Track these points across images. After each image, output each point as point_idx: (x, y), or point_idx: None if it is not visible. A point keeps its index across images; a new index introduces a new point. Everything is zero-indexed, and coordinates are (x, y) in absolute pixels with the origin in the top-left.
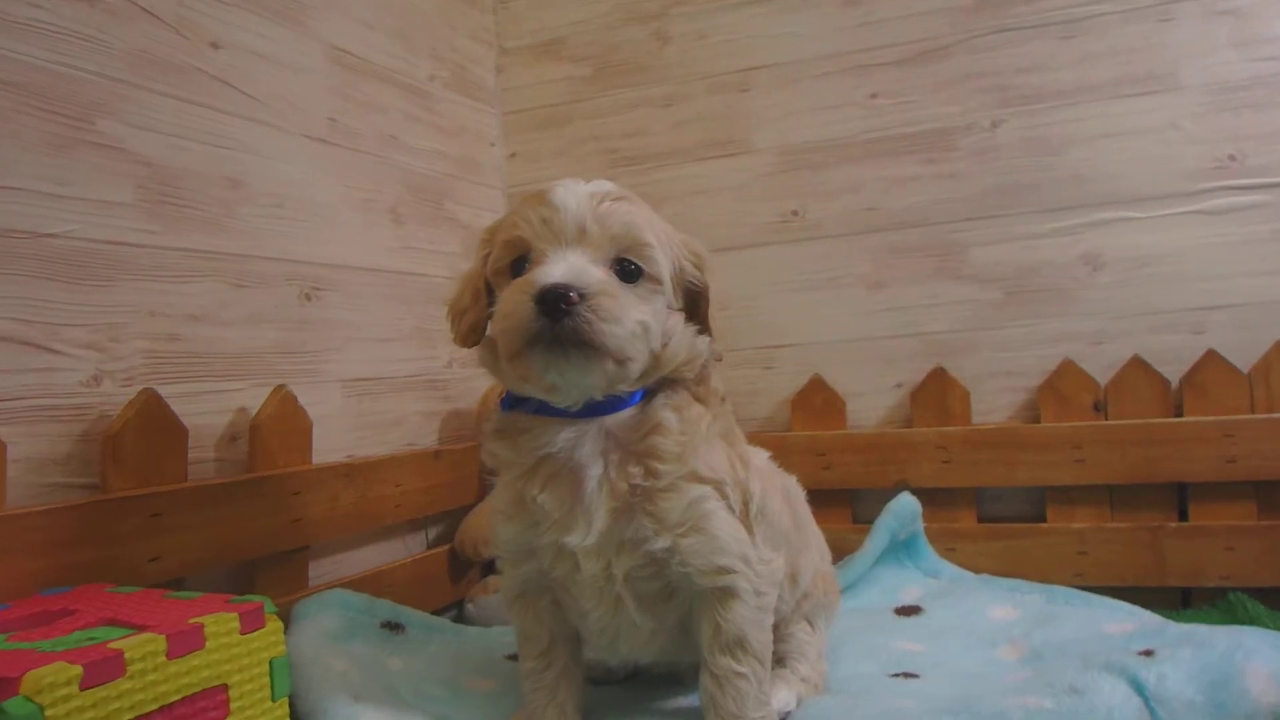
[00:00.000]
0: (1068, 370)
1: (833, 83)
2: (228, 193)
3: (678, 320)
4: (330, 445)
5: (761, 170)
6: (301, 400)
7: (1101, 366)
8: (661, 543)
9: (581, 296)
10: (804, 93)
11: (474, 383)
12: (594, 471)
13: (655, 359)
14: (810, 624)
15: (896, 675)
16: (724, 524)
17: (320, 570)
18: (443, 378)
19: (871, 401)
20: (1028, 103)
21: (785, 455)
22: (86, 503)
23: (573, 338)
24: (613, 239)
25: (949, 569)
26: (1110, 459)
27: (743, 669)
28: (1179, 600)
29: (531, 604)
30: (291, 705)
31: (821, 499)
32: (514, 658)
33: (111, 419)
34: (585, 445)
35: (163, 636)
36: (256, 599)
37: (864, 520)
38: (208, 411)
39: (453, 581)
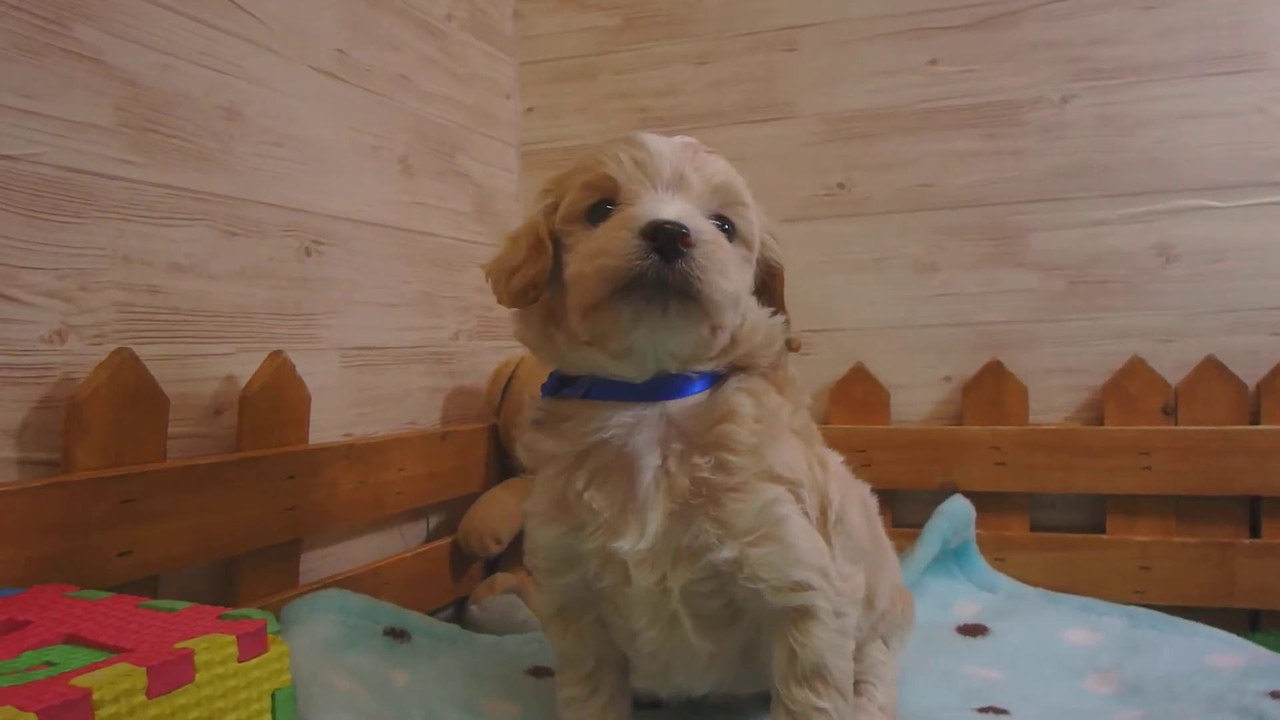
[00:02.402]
0: (1136, 369)
1: (888, 46)
2: (223, 125)
3: (752, 298)
4: (327, 421)
5: (805, 138)
6: (300, 369)
7: (1172, 366)
8: (727, 552)
9: (695, 240)
10: (856, 55)
11: (481, 357)
12: (650, 463)
13: (732, 338)
14: (885, 643)
15: (984, 710)
16: (801, 532)
17: (310, 564)
18: (449, 350)
19: (918, 395)
20: (1102, 77)
21: None
22: (45, 484)
23: (681, 285)
24: (714, 191)
25: (1005, 582)
26: (1179, 467)
27: (823, 703)
28: (1246, 623)
29: (573, 621)
30: None
31: None
32: (537, 672)
33: (78, 383)
34: (643, 432)
35: (143, 669)
36: (257, 615)
37: (905, 524)
38: (190, 378)
39: (453, 578)
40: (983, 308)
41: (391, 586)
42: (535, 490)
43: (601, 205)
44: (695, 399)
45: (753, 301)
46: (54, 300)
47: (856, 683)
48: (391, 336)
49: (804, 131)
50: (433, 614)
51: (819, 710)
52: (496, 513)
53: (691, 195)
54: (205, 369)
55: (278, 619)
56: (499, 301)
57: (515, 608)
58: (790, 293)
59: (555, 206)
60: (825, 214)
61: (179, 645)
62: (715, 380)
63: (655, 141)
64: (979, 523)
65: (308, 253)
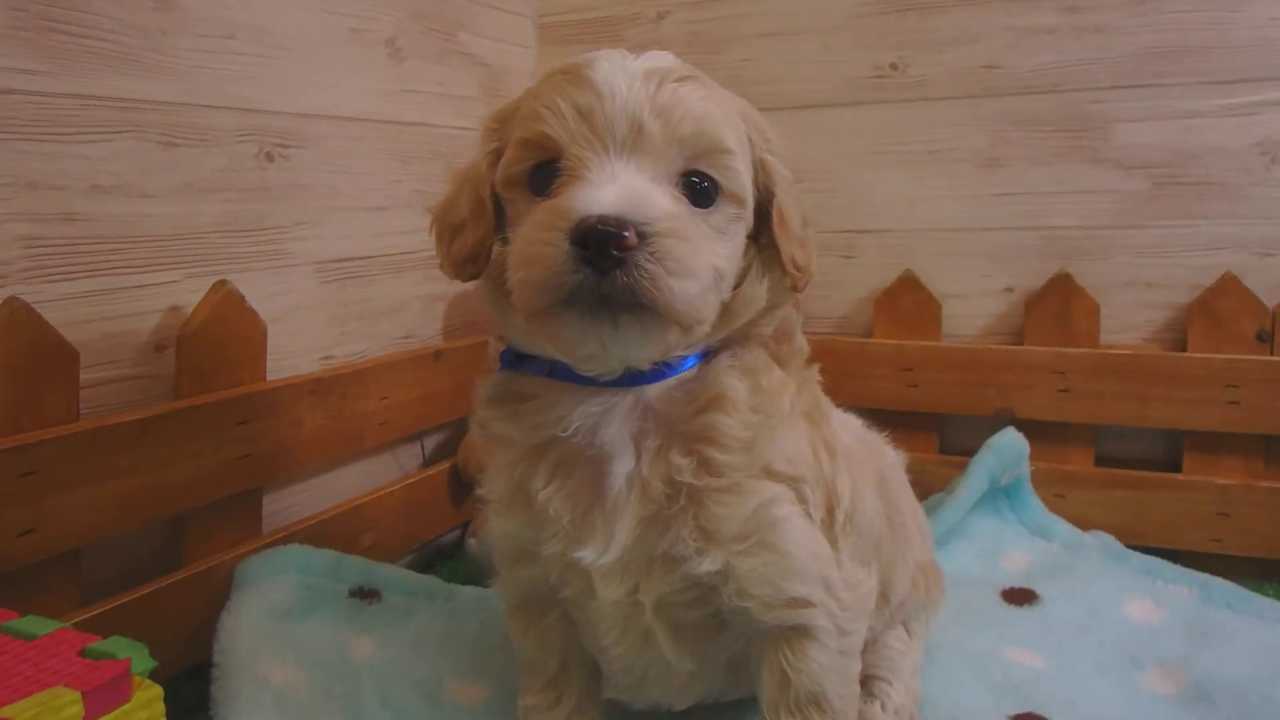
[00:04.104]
0: (1228, 287)
1: None
2: (152, 18)
3: (749, 251)
4: (302, 345)
5: (853, 9)
6: (264, 290)
7: (1271, 285)
8: (709, 564)
9: (641, 237)
10: None
11: None
12: (622, 466)
13: (724, 310)
14: (907, 629)
15: (1017, 717)
16: (800, 538)
17: (285, 502)
18: None
19: (973, 307)
20: None
21: (862, 367)
22: None
23: (627, 299)
24: (681, 143)
25: (1061, 528)
26: (1273, 402)
27: None
28: None
29: (535, 620)
30: None
31: (902, 422)
32: None
33: None
34: (612, 426)
35: None
36: (124, 649)
37: (952, 450)
38: (122, 314)
39: (454, 504)
40: (1052, 210)
41: (381, 521)
42: (491, 474)
43: (547, 167)
44: (678, 379)
45: (751, 253)
46: None
47: (868, 679)
48: (380, 243)
49: (852, 1)
50: (433, 543)
51: None
52: None
53: (652, 154)
54: (142, 302)
55: (230, 580)
56: (440, 267)
57: None
58: (829, 189)
59: (500, 153)
60: (874, 99)
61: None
62: (705, 355)
63: (608, 77)
64: (1036, 454)
65: (269, 158)
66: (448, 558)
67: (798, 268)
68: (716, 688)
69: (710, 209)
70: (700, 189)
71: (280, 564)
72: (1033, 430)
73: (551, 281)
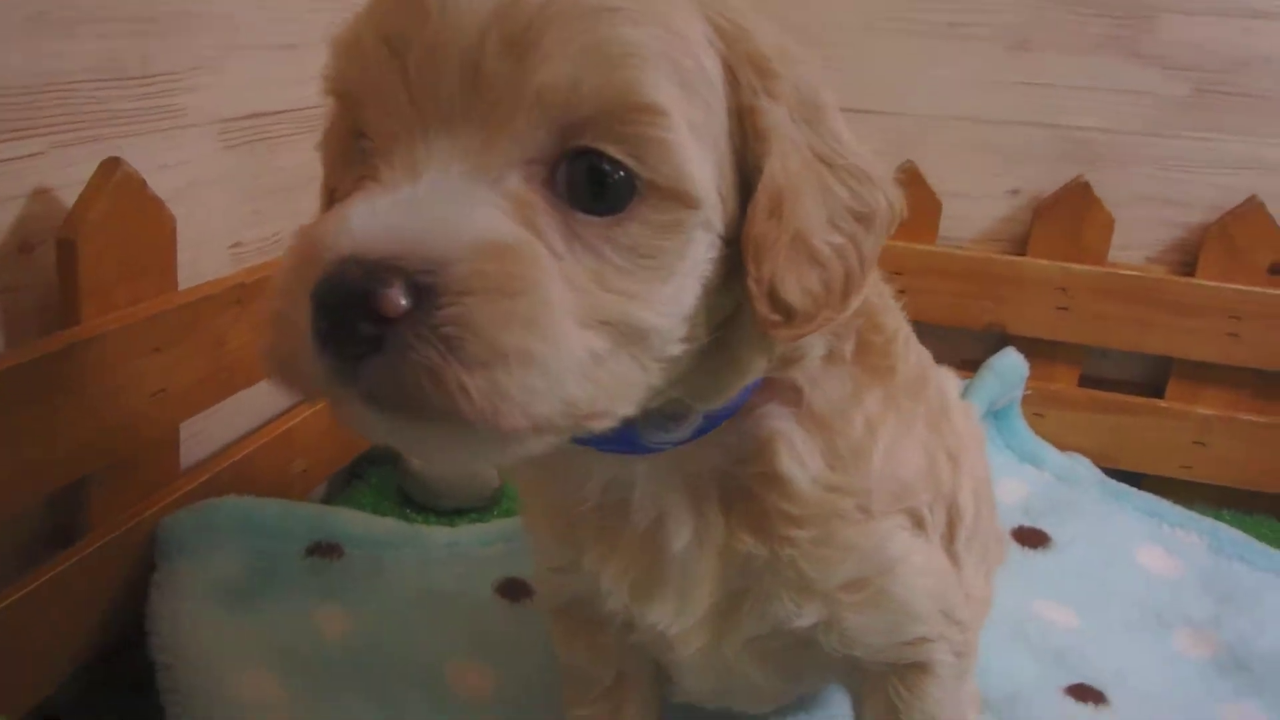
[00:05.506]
0: (1251, 213)
1: None
2: None
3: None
4: (205, 231)
5: None
6: (154, 161)
7: None
8: (809, 618)
9: (422, 294)
10: None
11: None
12: (680, 535)
13: (705, 369)
14: None
15: (1079, 697)
16: (920, 574)
17: (193, 429)
18: None
19: (975, 208)
20: None
21: None
22: None
23: (394, 400)
24: (543, 98)
25: (1051, 455)
26: (1274, 338)
27: None
28: None
29: (584, 628)
30: None
31: None
32: (509, 591)
33: None
34: (648, 495)
35: None
36: None
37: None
38: None
39: None
40: (1078, 107)
41: (313, 446)
42: (522, 494)
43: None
44: (715, 435)
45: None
46: None
47: None
48: (294, 94)
49: None
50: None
51: None
52: None
53: (492, 122)
54: None
55: (152, 543)
56: None
57: None
58: (824, 59)
59: None
60: None
61: None
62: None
63: None
64: None
65: None
66: (372, 464)
67: (778, 306)
68: (806, 690)
69: (618, 216)
70: (606, 180)
71: (217, 521)
72: (1022, 347)
73: (290, 365)
